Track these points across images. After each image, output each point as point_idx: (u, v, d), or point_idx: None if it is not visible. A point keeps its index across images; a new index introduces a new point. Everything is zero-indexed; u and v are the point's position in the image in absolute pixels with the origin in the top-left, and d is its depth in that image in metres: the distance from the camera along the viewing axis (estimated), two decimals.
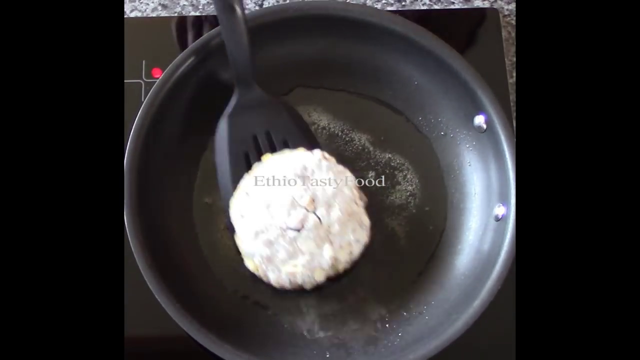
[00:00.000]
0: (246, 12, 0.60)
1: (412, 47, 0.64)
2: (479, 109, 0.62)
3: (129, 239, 0.56)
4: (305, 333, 0.60)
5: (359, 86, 0.69)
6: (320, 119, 0.68)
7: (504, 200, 0.60)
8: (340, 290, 0.62)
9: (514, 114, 0.69)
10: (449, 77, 0.63)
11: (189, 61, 0.62)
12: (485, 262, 0.59)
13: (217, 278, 0.62)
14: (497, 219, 0.60)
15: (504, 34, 0.74)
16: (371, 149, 0.67)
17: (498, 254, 0.57)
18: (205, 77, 0.64)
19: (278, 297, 0.62)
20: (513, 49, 0.74)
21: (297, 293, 0.61)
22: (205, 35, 0.63)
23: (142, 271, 0.56)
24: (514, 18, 0.75)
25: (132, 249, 0.56)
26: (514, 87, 0.71)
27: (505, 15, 0.75)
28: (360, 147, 0.67)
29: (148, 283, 0.55)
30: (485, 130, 0.62)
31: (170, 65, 0.62)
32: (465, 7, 0.76)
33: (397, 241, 0.64)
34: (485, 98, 0.61)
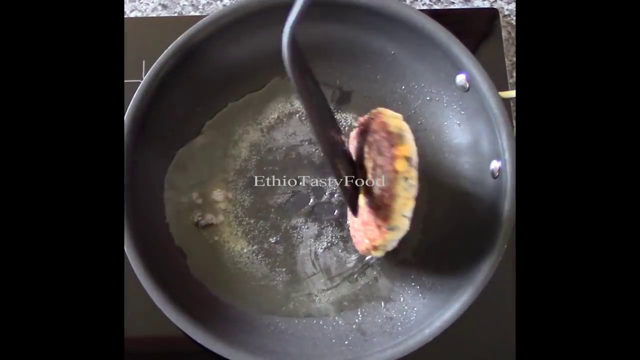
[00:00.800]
0: (210, 12, 0.59)
1: (382, 18, 0.63)
2: (459, 68, 0.61)
3: (125, 246, 0.56)
4: (321, 322, 0.60)
5: (336, 67, 0.67)
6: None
7: (498, 156, 0.58)
8: (350, 274, 0.62)
9: (514, 114, 0.67)
10: (423, 41, 0.62)
11: (171, 61, 0.62)
12: (489, 222, 0.58)
13: (223, 278, 0.62)
14: (494, 176, 0.59)
15: (504, 34, 0.72)
16: None
17: (501, 210, 0.56)
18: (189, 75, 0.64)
19: (290, 294, 0.62)
20: (513, 49, 0.73)
21: (308, 286, 0.62)
22: (186, 32, 0.63)
23: (139, 278, 0.56)
24: (514, 18, 0.74)
25: (127, 253, 0.56)
26: (514, 87, 0.69)
27: (505, 15, 0.74)
28: (348, 127, 0.66)
29: (149, 294, 0.56)
30: (468, 89, 0.61)
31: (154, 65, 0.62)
32: (465, 7, 0.75)
33: None
34: (463, 56, 0.60)
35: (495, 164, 0.59)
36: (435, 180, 0.64)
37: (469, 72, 0.60)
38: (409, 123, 0.65)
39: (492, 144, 0.59)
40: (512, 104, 0.67)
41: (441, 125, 0.65)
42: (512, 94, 0.62)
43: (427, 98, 0.66)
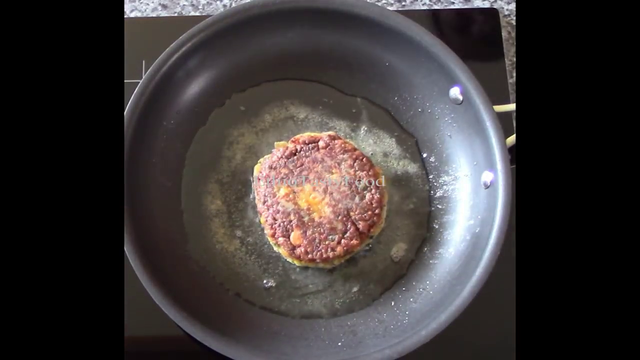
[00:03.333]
0: (210, 12, 0.59)
1: (379, 28, 0.65)
2: (453, 82, 0.63)
3: (125, 245, 0.56)
4: (314, 324, 0.61)
5: (331, 75, 0.69)
6: (298, 111, 0.68)
7: (491, 167, 0.60)
8: (343, 279, 0.63)
9: (514, 114, 0.69)
10: (419, 53, 0.64)
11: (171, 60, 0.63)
12: (481, 230, 0.60)
13: (217, 281, 0.63)
14: (487, 186, 0.61)
15: (504, 34, 0.74)
16: (353, 134, 0.68)
17: (493, 219, 0.58)
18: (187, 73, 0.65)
19: (283, 295, 0.62)
20: (513, 49, 0.74)
21: (301, 288, 0.63)
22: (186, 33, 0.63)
23: (139, 276, 0.56)
24: (514, 18, 0.75)
25: (127, 252, 0.56)
26: (514, 87, 0.71)
27: (505, 15, 0.75)
28: (342, 135, 0.67)
29: (150, 293, 0.56)
30: (461, 102, 0.63)
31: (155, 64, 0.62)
32: (466, 7, 0.76)
33: (390, 224, 0.65)
34: (458, 70, 0.62)
35: (488, 175, 0.61)
36: (428, 193, 0.66)
37: (463, 85, 0.62)
38: (401, 134, 0.68)
39: (485, 155, 0.61)
40: (507, 117, 0.69)
41: (432, 137, 0.67)
42: (506, 107, 0.64)
43: (419, 110, 0.67)
